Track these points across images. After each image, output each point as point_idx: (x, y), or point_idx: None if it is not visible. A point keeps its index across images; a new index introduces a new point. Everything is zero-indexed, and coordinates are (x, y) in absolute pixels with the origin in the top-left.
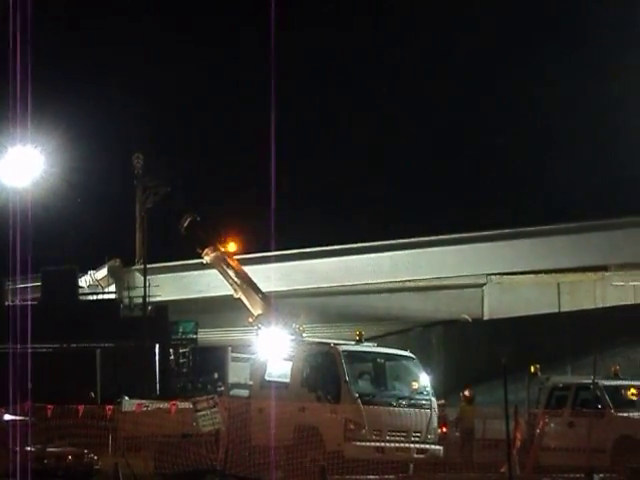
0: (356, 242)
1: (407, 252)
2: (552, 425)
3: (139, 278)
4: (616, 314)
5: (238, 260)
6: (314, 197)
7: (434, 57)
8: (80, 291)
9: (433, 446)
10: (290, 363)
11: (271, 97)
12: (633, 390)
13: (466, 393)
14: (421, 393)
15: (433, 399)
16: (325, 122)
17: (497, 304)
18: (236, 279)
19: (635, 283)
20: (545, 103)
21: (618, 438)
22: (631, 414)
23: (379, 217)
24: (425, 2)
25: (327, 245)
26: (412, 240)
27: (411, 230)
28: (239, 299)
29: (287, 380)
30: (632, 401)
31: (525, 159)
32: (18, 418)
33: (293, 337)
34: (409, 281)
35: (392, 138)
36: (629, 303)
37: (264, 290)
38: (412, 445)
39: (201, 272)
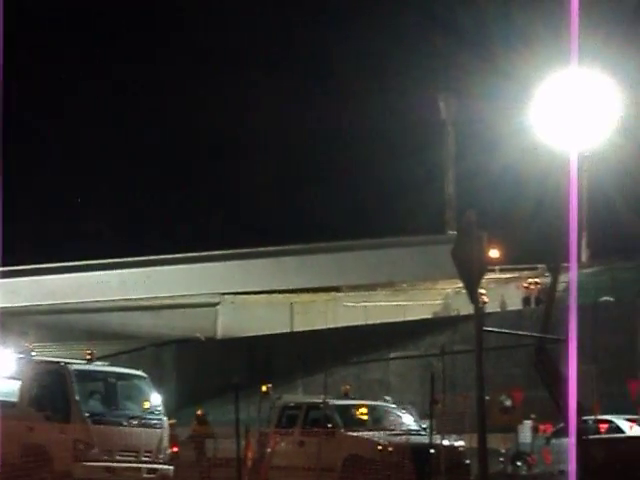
0: (84, 259)
1: (135, 270)
2: (283, 444)
3: None
4: (347, 334)
5: None
6: (40, 211)
7: None
8: None
9: (164, 466)
10: (18, 382)
11: None
12: (363, 410)
13: (198, 412)
14: (152, 412)
15: (164, 418)
16: (63, 132)
17: (231, 323)
18: None
19: (365, 304)
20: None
21: (347, 457)
22: (360, 433)
23: (111, 234)
24: None
25: (56, 262)
26: (140, 259)
27: (141, 248)
28: None
29: (15, 399)
30: (362, 420)
31: (256, 180)
32: None
33: (22, 355)
34: (143, 299)
35: (119, 153)
36: (359, 323)
37: None
38: (142, 465)
39: None
